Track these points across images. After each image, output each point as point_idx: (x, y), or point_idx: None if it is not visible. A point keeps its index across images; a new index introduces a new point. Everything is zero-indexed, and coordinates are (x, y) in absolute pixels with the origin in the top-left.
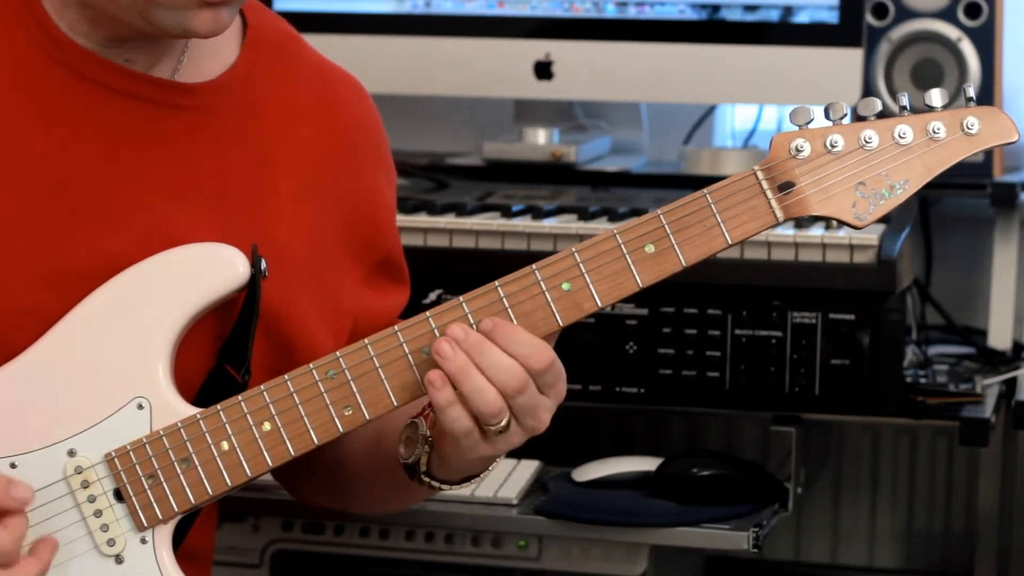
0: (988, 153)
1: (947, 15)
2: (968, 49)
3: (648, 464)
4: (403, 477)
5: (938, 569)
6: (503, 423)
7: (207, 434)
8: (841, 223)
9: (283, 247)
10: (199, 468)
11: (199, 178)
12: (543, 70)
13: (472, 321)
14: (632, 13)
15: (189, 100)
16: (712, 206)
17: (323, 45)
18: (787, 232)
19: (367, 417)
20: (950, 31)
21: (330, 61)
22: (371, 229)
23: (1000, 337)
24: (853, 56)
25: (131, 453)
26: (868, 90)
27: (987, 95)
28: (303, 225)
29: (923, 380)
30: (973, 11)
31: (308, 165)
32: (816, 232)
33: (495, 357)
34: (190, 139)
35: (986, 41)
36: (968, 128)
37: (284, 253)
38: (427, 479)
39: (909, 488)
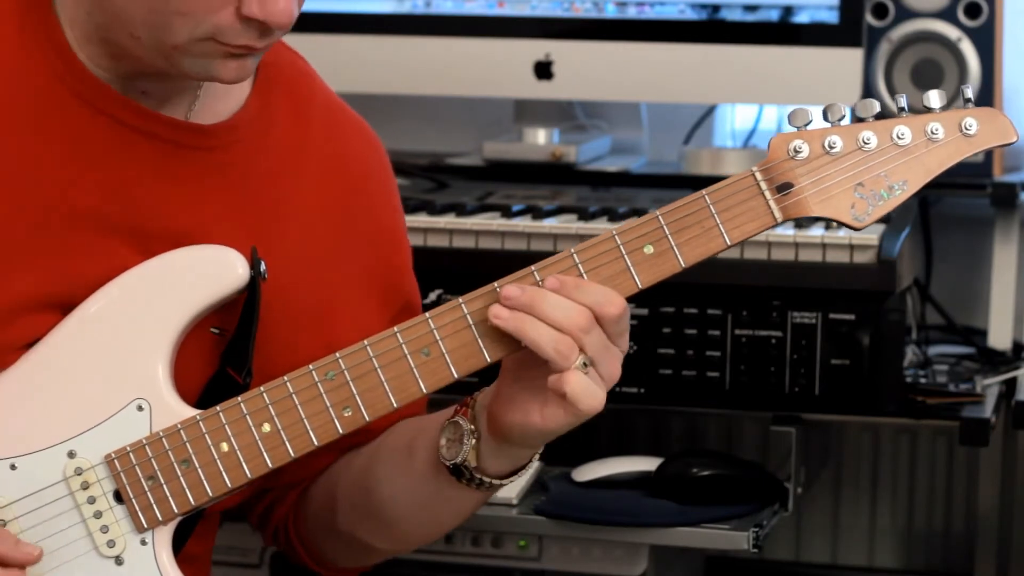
0: (988, 153)
1: (947, 15)
2: (968, 49)
3: (648, 464)
4: (442, 487)
5: (938, 569)
6: (581, 359)
7: (207, 435)
8: (840, 224)
9: (288, 287)
10: (199, 469)
11: (206, 219)
12: (543, 70)
13: (469, 318)
14: (632, 13)
15: (202, 141)
16: (711, 207)
17: (323, 45)
18: (787, 232)
19: (367, 418)
20: (950, 31)
21: (344, 104)
22: (392, 274)
23: (1000, 337)
24: (853, 56)
25: (131, 454)
26: (868, 90)
27: (987, 95)
28: (309, 265)
29: (923, 380)
30: (973, 11)
31: (317, 208)
32: (816, 232)
33: (554, 301)
34: (200, 181)
35: (986, 41)
36: (967, 129)
37: (289, 292)
38: (478, 475)
39: (909, 488)
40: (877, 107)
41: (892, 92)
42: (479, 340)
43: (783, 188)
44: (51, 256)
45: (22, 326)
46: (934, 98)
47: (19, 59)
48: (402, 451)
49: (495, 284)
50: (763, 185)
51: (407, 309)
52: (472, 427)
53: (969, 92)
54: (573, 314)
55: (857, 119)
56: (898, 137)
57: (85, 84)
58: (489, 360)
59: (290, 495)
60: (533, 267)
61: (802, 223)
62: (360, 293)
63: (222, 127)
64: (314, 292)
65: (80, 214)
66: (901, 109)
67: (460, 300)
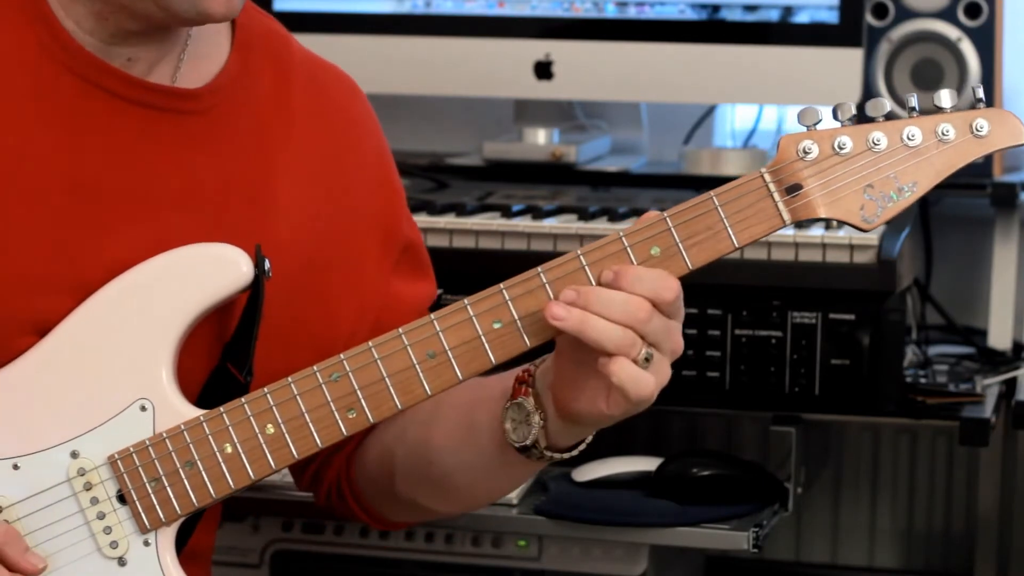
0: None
1: (947, 15)
2: (968, 49)
3: (648, 464)
4: (508, 461)
5: (938, 569)
6: (643, 352)
7: (210, 436)
8: (850, 226)
9: (284, 247)
10: (202, 471)
11: (200, 183)
12: (543, 70)
13: (474, 321)
14: (632, 13)
15: (188, 105)
16: (719, 209)
17: (323, 45)
18: (787, 232)
19: (371, 420)
20: (950, 31)
21: (321, 58)
22: (388, 222)
23: (1000, 337)
24: (853, 56)
25: (134, 455)
26: (868, 90)
27: (987, 95)
28: (304, 224)
29: (923, 380)
30: (973, 11)
31: (307, 164)
32: (816, 232)
33: (608, 297)
34: (190, 145)
35: (986, 41)
36: (977, 130)
37: (285, 253)
38: (548, 453)
39: (909, 488)
40: (888, 107)
41: (892, 92)
42: (484, 343)
43: (792, 190)
44: (51, 229)
45: (30, 306)
46: (945, 98)
47: (6, 33)
48: (463, 425)
49: (500, 286)
50: (772, 187)
51: (410, 250)
52: (537, 408)
53: (980, 92)
54: (632, 308)
55: (867, 119)
56: (908, 138)
57: (73, 56)
58: (494, 362)
59: (336, 459)
60: (539, 268)
61: (803, 223)
62: (358, 244)
63: (207, 89)
64: (310, 249)
65: (76, 186)
66: (911, 110)
67: (465, 301)
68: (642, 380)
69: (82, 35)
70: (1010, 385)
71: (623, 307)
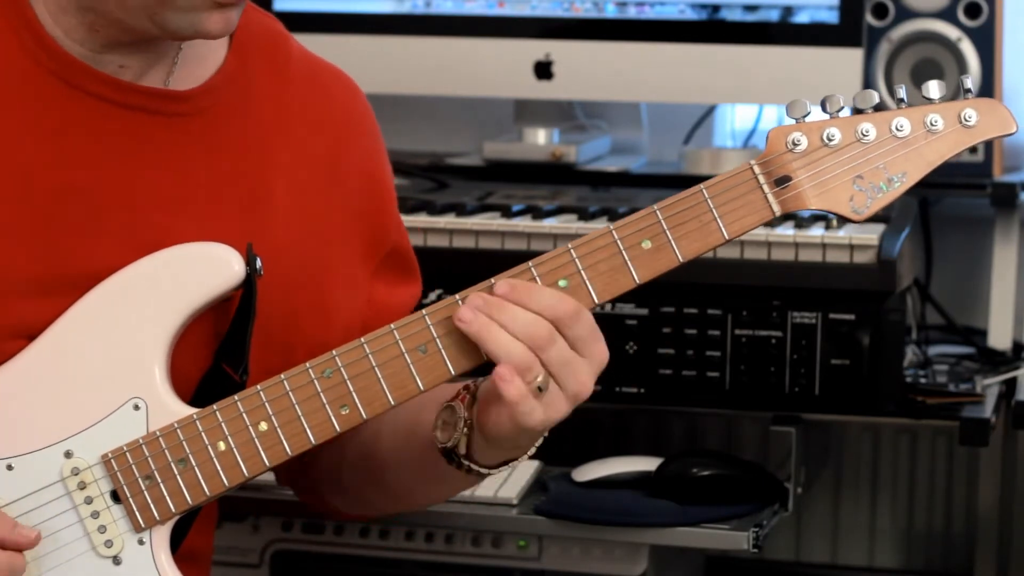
0: (988, 153)
1: (947, 15)
2: (968, 49)
3: (648, 464)
4: (440, 465)
5: (938, 569)
6: (539, 379)
7: (203, 434)
8: (838, 217)
9: (280, 249)
10: (196, 469)
11: (194, 185)
12: (543, 70)
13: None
14: (632, 13)
15: (181, 107)
16: (708, 201)
17: (323, 45)
18: (787, 232)
19: (364, 416)
20: (950, 31)
21: (320, 58)
22: (376, 223)
23: (1000, 337)
24: (853, 56)
25: (128, 454)
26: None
27: (987, 95)
28: (301, 225)
29: (923, 380)
30: (973, 11)
31: (304, 164)
32: (816, 232)
33: (514, 312)
34: (183, 146)
35: (986, 41)
36: (966, 120)
37: (281, 255)
38: (466, 463)
39: (909, 488)
40: (876, 98)
41: (892, 92)
42: None
43: (781, 181)
44: (40, 233)
45: (18, 310)
46: (933, 89)
47: None
48: (408, 423)
49: (491, 280)
50: (761, 179)
51: (394, 254)
52: (466, 415)
53: (969, 83)
54: (532, 328)
55: (856, 111)
56: (897, 129)
57: (57, 61)
58: (486, 357)
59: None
60: (530, 263)
61: (802, 223)
62: (348, 243)
63: (201, 90)
64: (307, 250)
65: (64, 189)
66: (900, 100)
67: (457, 297)
68: (529, 406)
69: (70, 43)
70: (1010, 385)
71: (523, 324)
